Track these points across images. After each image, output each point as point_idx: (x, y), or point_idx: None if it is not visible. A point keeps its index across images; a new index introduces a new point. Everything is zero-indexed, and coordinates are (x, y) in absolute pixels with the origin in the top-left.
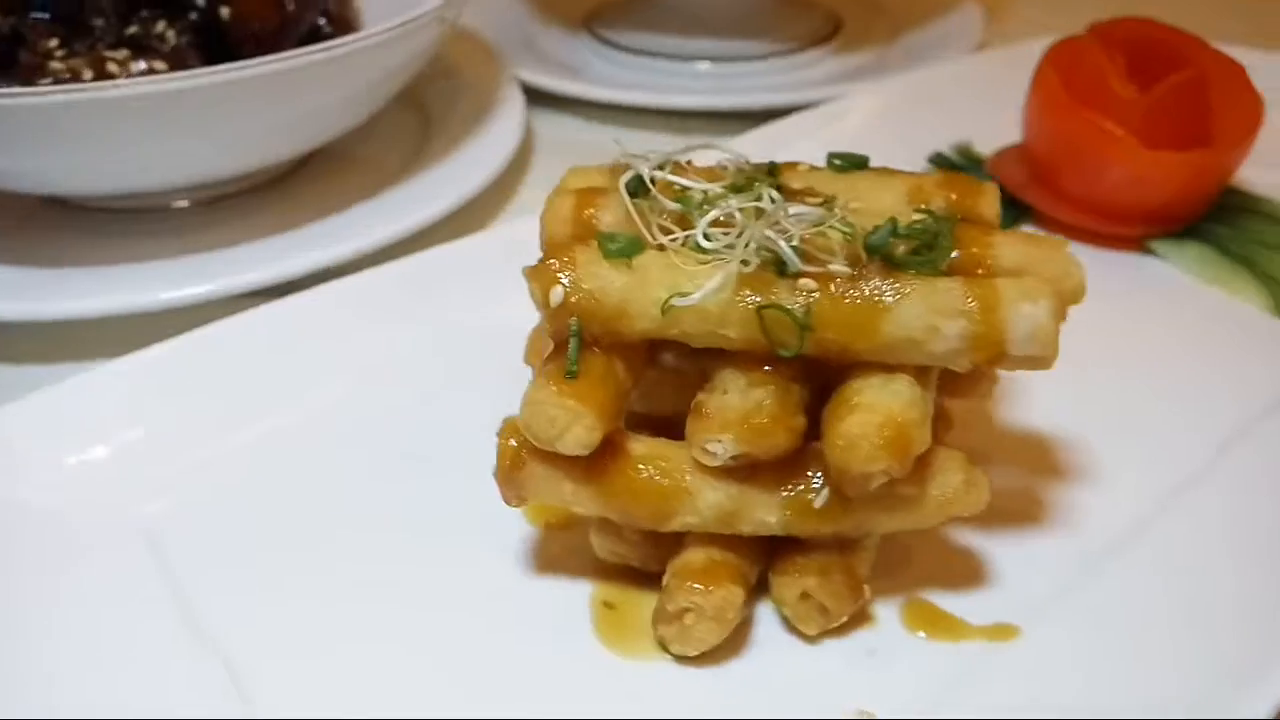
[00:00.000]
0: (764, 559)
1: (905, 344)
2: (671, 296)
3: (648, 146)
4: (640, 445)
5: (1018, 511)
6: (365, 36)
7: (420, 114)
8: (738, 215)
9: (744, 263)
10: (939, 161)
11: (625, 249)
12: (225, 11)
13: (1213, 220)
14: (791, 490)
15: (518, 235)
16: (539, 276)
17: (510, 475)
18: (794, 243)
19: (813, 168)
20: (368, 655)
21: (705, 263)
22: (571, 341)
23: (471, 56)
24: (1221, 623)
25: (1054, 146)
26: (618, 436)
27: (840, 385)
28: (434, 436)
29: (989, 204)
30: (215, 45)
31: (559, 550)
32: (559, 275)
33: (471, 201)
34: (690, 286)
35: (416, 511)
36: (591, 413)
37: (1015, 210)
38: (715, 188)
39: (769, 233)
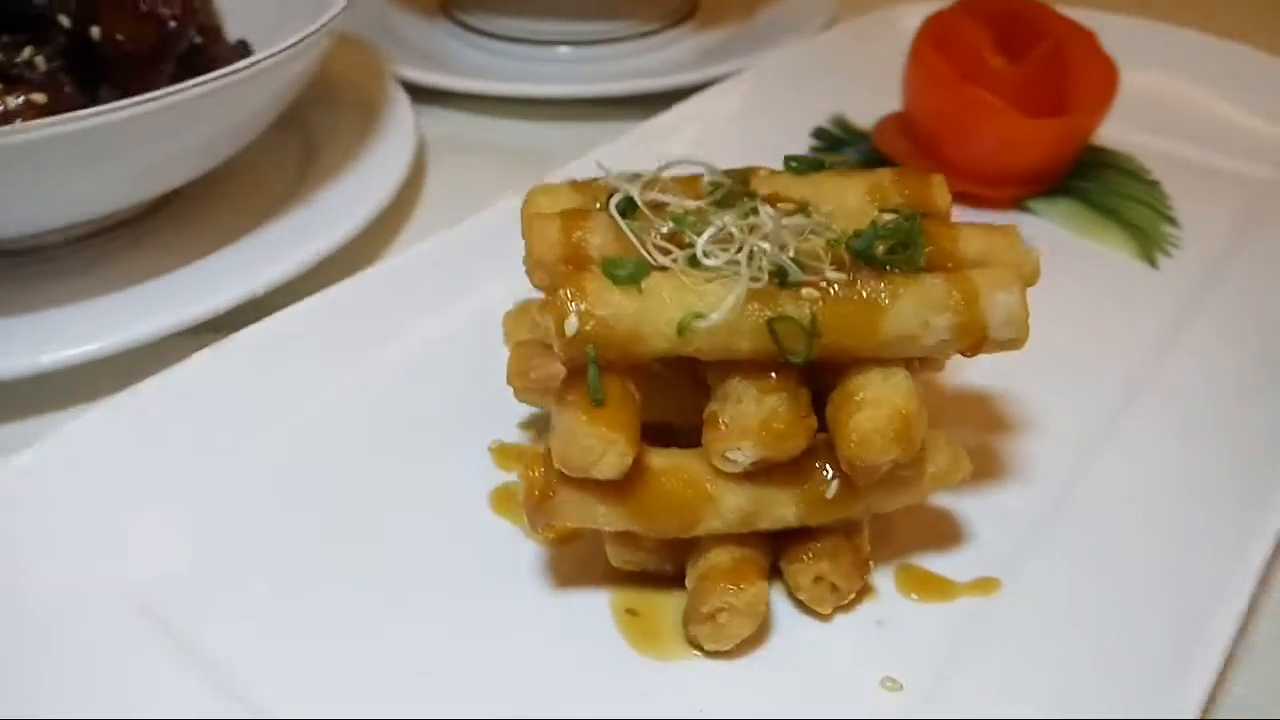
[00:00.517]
0: (772, 549)
1: (902, 340)
2: (688, 317)
3: (531, 139)
4: (660, 458)
5: (977, 470)
6: (277, 52)
7: (297, 122)
8: (734, 231)
9: (754, 279)
10: (822, 137)
11: (633, 274)
12: (95, 31)
13: (1078, 177)
14: (804, 485)
15: (455, 244)
16: (551, 308)
17: (540, 505)
18: (790, 254)
19: (773, 172)
20: (404, 693)
21: (710, 280)
22: (591, 370)
23: (340, 52)
24: (1174, 545)
25: (937, 118)
26: (639, 453)
27: (841, 382)
28: (416, 466)
29: (941, 195)
30: (86, 68)
31: (571, 565)
32: (571, 305)
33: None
34: (701, 305)
35: (419, 544)
36: (623, 437)
37: None
38: (704, 204)
39: (766, 246)
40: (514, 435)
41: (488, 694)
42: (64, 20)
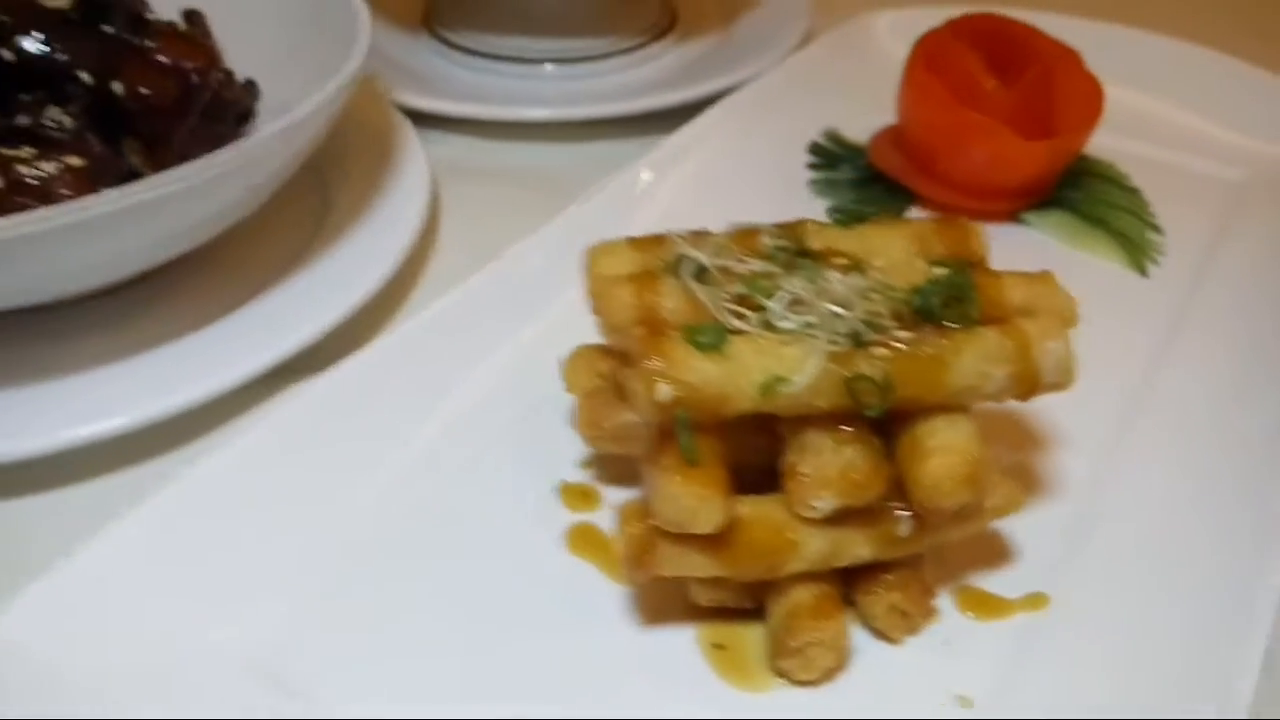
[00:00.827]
0: (843, 580)
1: (965, 391)
2: (771, 380)
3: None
4: (746, 507)
5: None
6: (318, 104)
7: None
8: (804, 294)
9: (832, 342)
10: (818, 152)
11: (715, 340)
12: (118, 86)
13: (1067, 187)
14: (879, 526)
15: (486, 287)
16: (640, 377)
17: (640, 560)
18: (859, 314)
19: (821, 225)
20: None
21: (787, 343)
22: (684, 434)
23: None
24: (1201, 546)
25: (933, 137)
26: None
27: (907, 429)
28: (487, 512)
29: (979, 243)
30: (108, 122)
31: (653, 602)
32: (660, 374)
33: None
34: (782, 368)
35: (504, 590)
36: (719, 495)
37: (900, 195)
38: (772, 267)
39: (840, 310)
40: (576, 475)
41: None
42: (85, 76)
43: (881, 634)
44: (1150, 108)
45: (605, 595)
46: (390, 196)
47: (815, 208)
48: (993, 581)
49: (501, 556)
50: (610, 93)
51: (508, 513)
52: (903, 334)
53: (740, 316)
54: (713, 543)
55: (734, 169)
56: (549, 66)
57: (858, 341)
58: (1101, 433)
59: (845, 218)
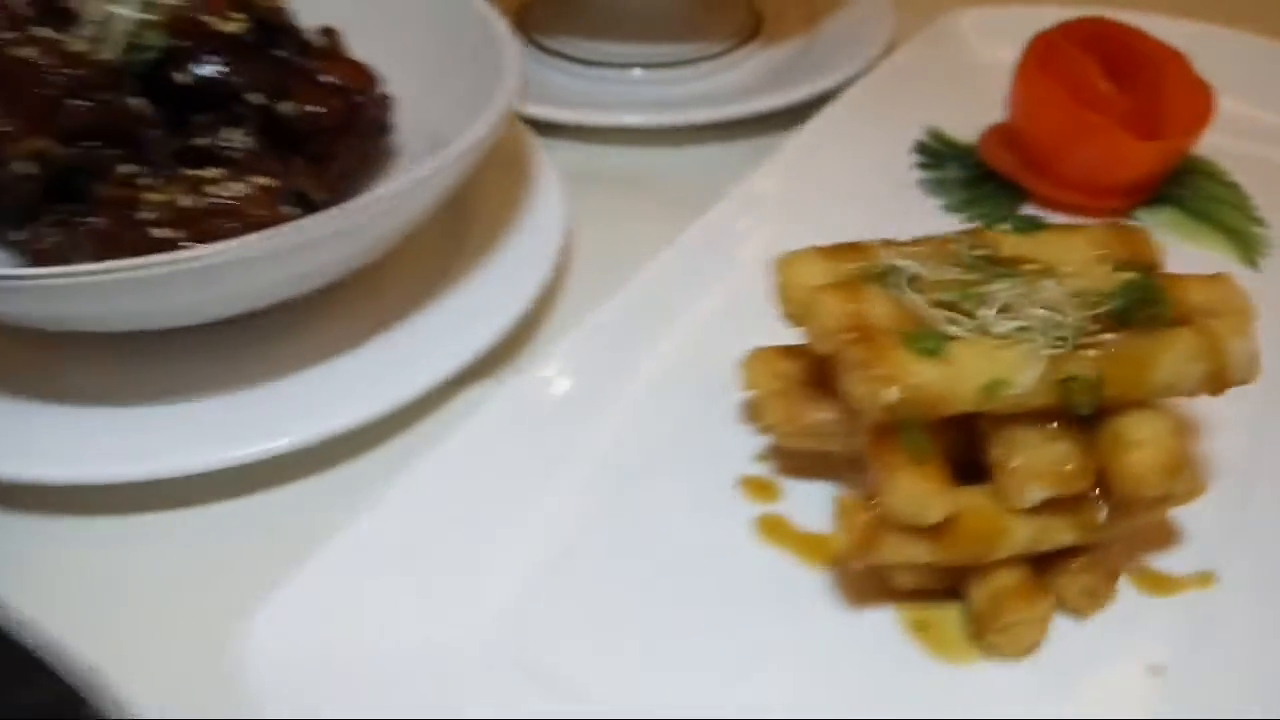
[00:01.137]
0: (1034, 561)
1: (1164, 388)
2: (993, 383)
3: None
4: (960, 497)
5: None
6: (490, 124)
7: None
8: (1011, 300)
9: (1053, 346)
10: (925, 152)
11: (935, 346)
12: (287, 107)
13: (1172, 184)
14: (1080, 513)
15: (640, 297)
16: (865, 381)
17: (865, 550)
18: (1069, 319)
19: (998, 232)
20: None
21: (1001, 347)
22: (913, 433)
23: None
24: None
25: (1049, 138)
26: None
27: (1107, 423)
28: (678, 509)
29: (1152, 248)
30: (275, 142)
31: (850, 586)
32: (885, 378)
33: None
34: (1002, 371)
35: (706, 586)
36: (944, 488)
37: (1012, 192)
38: (972, 274)
39: (1054, 315)
40: (753, 469)
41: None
42: (255, 97)
43: (1073, 612)
44: (1237, 106)
45: (804, 581)
46: (528, 208)
47: (927, 206)
48: (1162, 561)
49: (698, 549)
50: (704, 97)
51: (695, 507)
52: (1107, 336)
53: (952, 322)
54: (934, 531)
55: (844, 172)
56: (637, 71)
57: (1069, 344)
58: (1247, 416)
59: (1026, 225)
